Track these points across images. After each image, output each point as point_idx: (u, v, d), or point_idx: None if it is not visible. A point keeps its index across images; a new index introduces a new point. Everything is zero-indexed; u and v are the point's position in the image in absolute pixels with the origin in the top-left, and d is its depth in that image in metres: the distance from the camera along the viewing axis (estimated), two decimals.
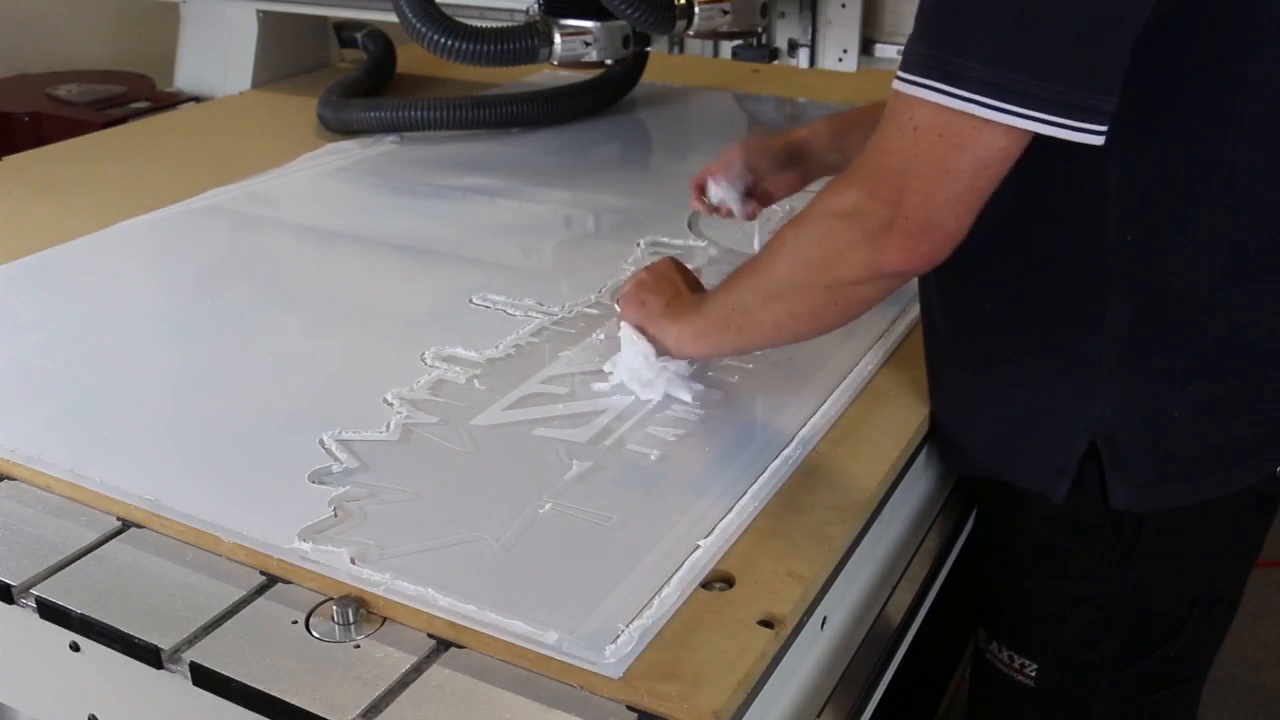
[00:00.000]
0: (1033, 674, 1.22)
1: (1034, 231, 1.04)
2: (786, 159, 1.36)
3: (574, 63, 1.87)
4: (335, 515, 0.98)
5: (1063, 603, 1.19)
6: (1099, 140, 0.87)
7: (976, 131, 0.88)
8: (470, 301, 1.39)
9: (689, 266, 1.25)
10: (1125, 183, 0.98)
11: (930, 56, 0.89)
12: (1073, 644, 1.20)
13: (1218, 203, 1.00)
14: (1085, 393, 1.06)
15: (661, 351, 1.15)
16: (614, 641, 0.83)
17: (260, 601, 0.91)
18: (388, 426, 1.12)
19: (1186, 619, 1.17)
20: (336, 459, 1.06)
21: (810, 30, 1.96)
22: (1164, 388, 1.05)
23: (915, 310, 1.35)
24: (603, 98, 2.12)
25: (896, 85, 0.91)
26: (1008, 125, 0.87)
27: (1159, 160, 0.98)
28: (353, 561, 0.92)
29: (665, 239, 1.57)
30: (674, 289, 1.17)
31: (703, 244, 1.56)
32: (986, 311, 1.10)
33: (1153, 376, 1.05)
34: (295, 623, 0.89)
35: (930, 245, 0.93)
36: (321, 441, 1.09)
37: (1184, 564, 1.15)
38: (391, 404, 1.16)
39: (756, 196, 1.37)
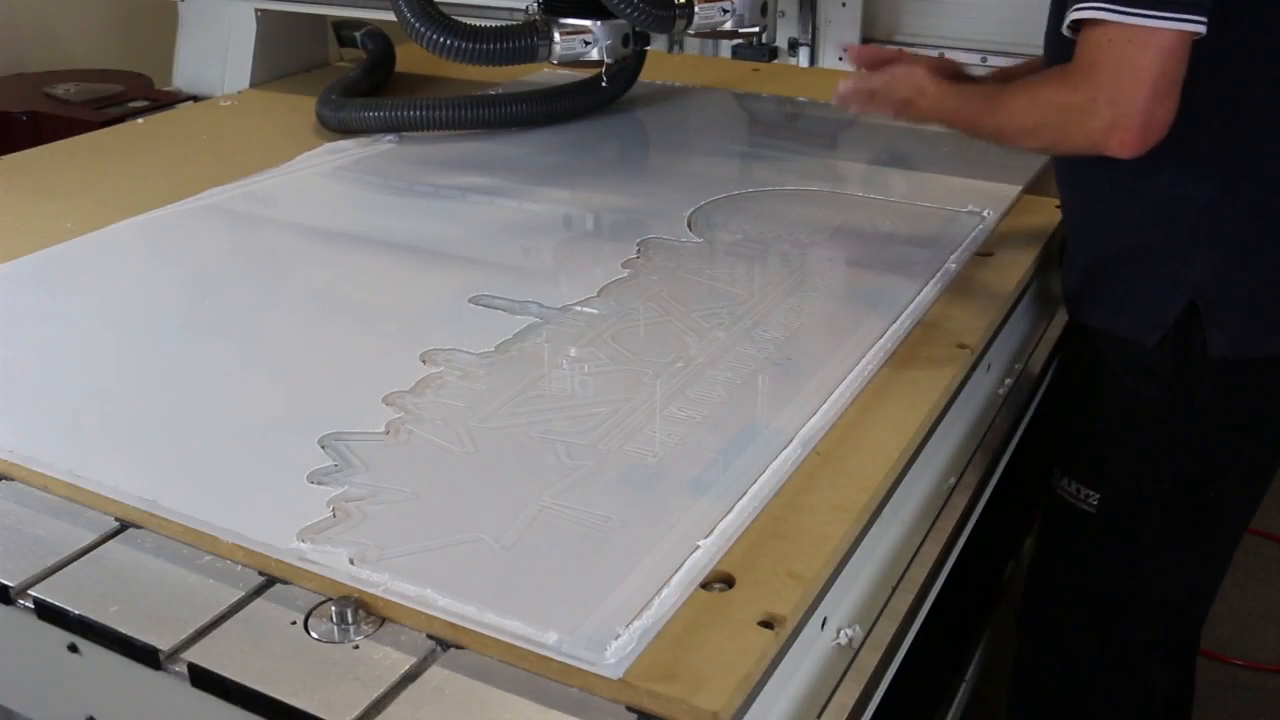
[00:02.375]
0: (1095, 503, 1.48)
1: None
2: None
3: (573, 61, 1.87)
4: (334, 516, 0.98)
5: (1130, 442, 1.45)
6: (1203, 29, 1.16)
7: (1147, 32, 1.15)
8: (469, 301, 1.39)
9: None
10: (1211, 82, 1.23)
11: None
12: (1133, 478, 1.46)
13: None
14: (1186, 259, 1.33)
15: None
16: (614, 642, 0.83)
17: (259, 602, 0.91)
18: (386, 427, 1.11)
19: (1229, 468, 1.43)
20: (335, 459, 1.06)
21: (810, 29, 1.96)
22: (1252, 253, 1.32)
23: (915, 312, 1.35)
24: (602, 96, 2.12)
25: (1082, 14, 1.19)
26: (1154, 26, 1.15)
27: (1238, 64, 1.24)
28: (351, 562, 0.92)
29: (665, 238, 1.57)
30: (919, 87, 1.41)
31: (701, 241, 1.56)
32: (1103, 190, 1.37)
33: (1243, 243, 1.31)
34: (294, 623, 0.89)
35: (1146, 133, 1.19)
36: (320, 442, 1.08)
37: (1233, 419, 1.40)
38: (390, 404, 1.15)
39: None
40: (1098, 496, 1.49)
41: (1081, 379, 1.53)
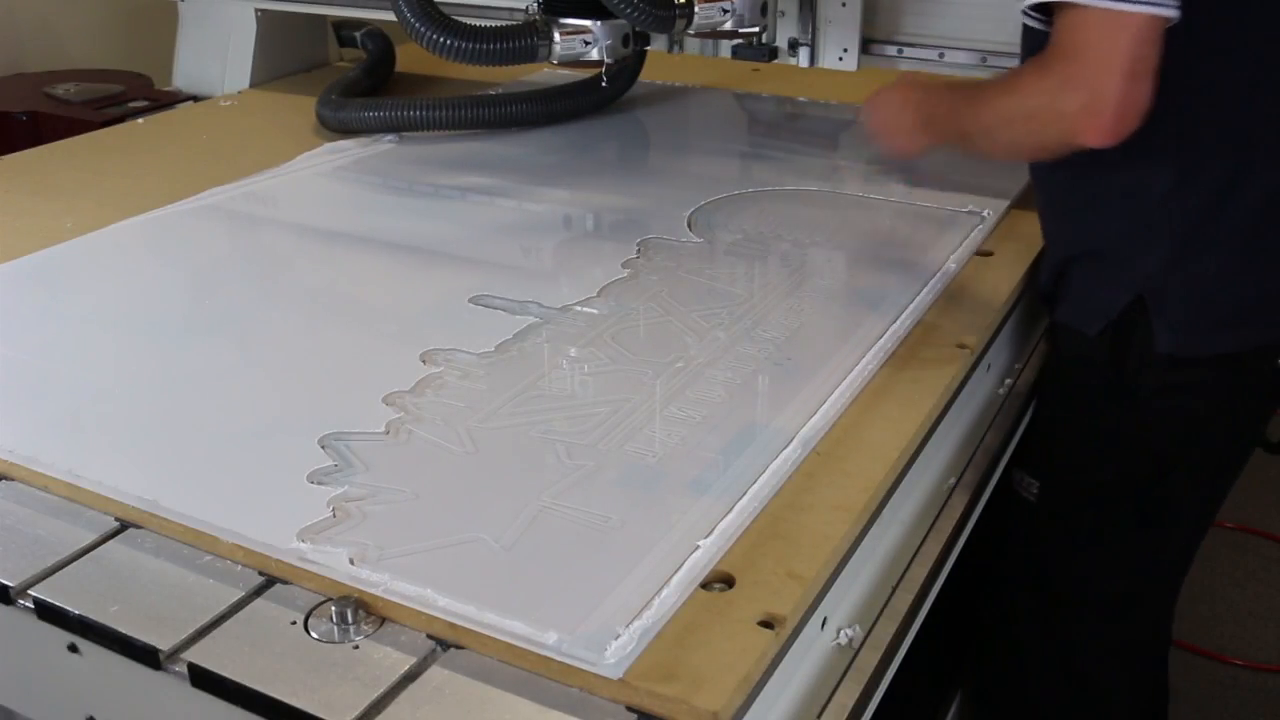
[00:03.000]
0: (1035, 491, 1.48)
1: None
2: None
3: (573, 62, 1.86)
4: (334, 516, 0.98)
5: (1069, 431, 1.45)
6: (1175, 14, 1.15)
7: (1118, 15, 1.14)
8: (469, 301, 1.39)
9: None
10: (1169, 74, 1.19)
11: None
12: (1071, 468, 1.45)
13: (1241, 92, 1.25)
14: (1136, 249, 1.32)
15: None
16: (614, 642, 0.83)
17: (259, 602, 0.91)
18: (386, 427, 1.11)
19: (1175, 467, 1.40)
20: (335, 459, 1.06)
21: (810, 29, 1.96)
22: (1203, 248, 1.30)
23: (915, 312, 1.35)
24: (602, 96, 2.12)
25: None
26: (1125, 10, 1.13)
27: (1196, 56, 1.21)
28: (351, 562, 0.92)
29: (665, 238, 1.57)
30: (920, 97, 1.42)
31: (701, 241, 1.56)
32: (1068, 188, 1.37)
33: (1194, 237, 1.30)
34: (294, 623, 0.89)
35: (1121, 118, 1.17)
36: (320, 442, 1.08)
37: (1180, 417, 1.38)
38: (390, 404, 1.15)
39: None
40: (1037, 485, 1.48)
41: (1042, 371, 1.54)
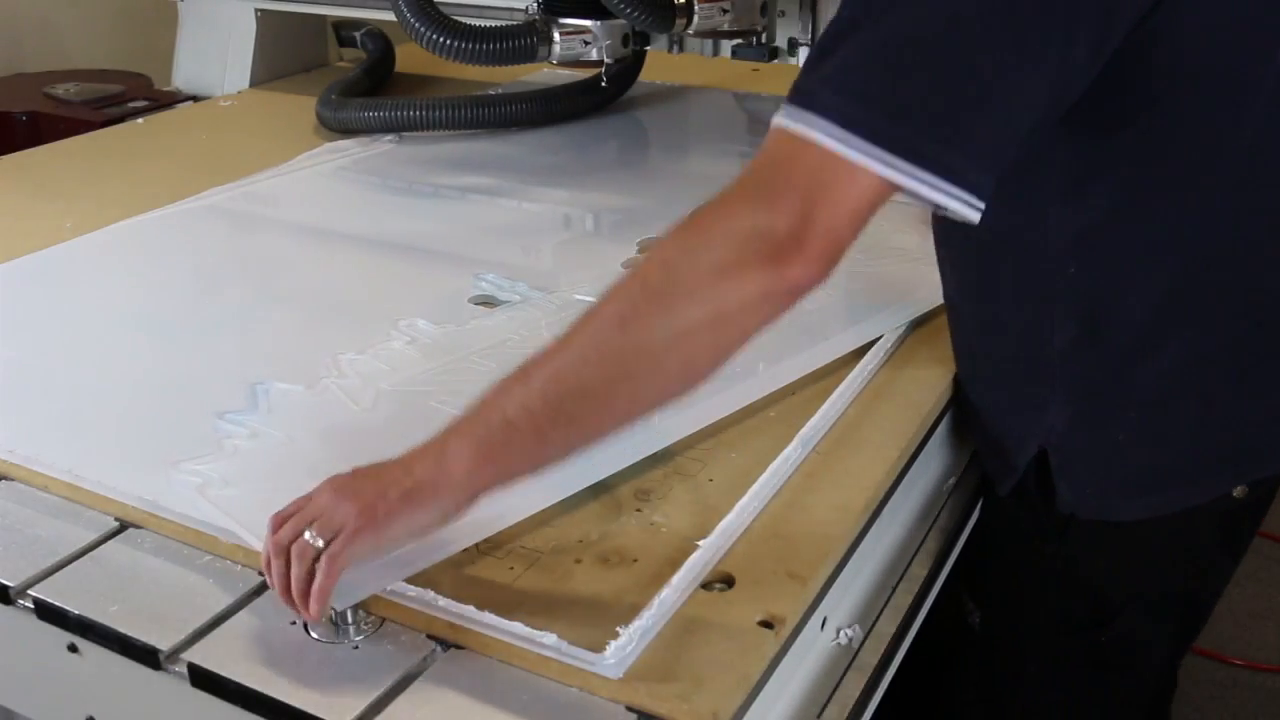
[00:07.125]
0: (977, 619, 1.29)
1: (986, 248, 1.11)
2: None
3: (573, 62, 1.87)
4: None
5: (1004, 562, 1.27)
6: (975, 210, 0.83)
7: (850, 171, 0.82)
8: (469, 302, 1.39)
9: None
10: (1062, 223, 1.02)
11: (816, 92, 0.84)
12: (1009, 600, 1.27)
13: (1151, 248, 1.02)
14: (1041, 401, 1.12)
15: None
16: (613, 642, 0.83)
17: (259, 602, 0.91)
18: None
19: (1122, 609, 1.18)
20: None
21: (810, 29, 1.96)
22: (1112, 411, 1.09)
23: (915, 311, 1.35)
24: (602, 96, 2.12)
25: (789, 125, 0.84)
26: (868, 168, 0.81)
27: (1092, 208, 1.01)
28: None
29: None
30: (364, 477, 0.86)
31: None
32: (968, 314, 1.19)
33: (1101, 398, 1.09)
34: (294, 623, 0.89)
35: (831, 259, 0.83)
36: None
37: (1121, 558, 1.17)
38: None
39: None
40: (979, 613, 1.29)
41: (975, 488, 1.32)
